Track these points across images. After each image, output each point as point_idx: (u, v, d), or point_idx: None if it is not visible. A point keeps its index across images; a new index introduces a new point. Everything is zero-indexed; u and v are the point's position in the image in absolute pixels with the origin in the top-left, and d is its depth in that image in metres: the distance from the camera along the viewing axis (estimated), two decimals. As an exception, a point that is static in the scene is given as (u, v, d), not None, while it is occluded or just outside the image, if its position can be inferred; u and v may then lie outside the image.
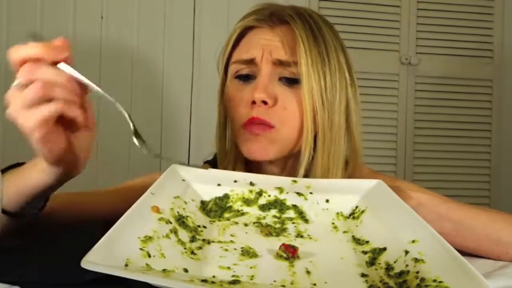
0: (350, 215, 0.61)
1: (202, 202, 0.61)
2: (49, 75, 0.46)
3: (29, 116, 0.45)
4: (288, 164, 0.78)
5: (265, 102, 0.70)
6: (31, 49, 0.46)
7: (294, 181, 0.66)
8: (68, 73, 0.47)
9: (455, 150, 1.88)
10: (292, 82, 0.72)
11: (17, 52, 0.45)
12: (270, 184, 0.65)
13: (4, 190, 0.53)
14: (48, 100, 0.46)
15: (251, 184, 0.64)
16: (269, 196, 0.64)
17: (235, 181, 0.65)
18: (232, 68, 0.76)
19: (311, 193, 0.64)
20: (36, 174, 0.53)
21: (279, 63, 0.72)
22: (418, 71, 1.85)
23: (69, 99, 0.47)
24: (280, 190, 0.64)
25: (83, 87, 0.49)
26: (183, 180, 0.62)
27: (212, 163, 0.87)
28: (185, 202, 0.57)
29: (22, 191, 0.54)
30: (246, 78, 0.74)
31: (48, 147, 0.48)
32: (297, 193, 0.64)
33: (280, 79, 0.73)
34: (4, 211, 0.54)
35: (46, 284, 0.46)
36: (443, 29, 1.86)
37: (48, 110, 0.46)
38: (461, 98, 1.88)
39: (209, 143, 1.83)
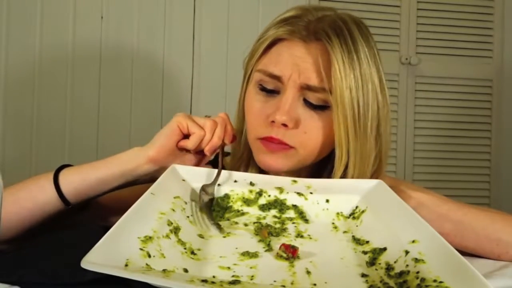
0: (350, 215, 0.61)
1: (202, 202, 0.61)
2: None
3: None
4: (302, 174, 0.75)
5: (285, 125, 0.67)
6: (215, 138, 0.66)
7: (294, 181, 0.65)
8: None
9: (455, 150, 1.88)
10: (318, 108, 0.69)
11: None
12: (270, 184, 0.65)
13: (74, 176, 0.64)
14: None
15: (251, 184, 0.64)
16: (269, 196, 0.64)
17: (235, 181, 0.65)
18: (256, 76, 0.72)
19: (311, 193, 0.64)
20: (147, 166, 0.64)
21: (307, 87, 0.68)
22: (418, 71, 1.85)
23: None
24: (280, 190, 0.64)
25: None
26: (183, 180, 0.62)
27: (213, 164, 0.86)
28: (185, 202, 0.57)
29: (115, 176, 0.64)
30: (270, 92, 0.71)
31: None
32: (297, 193, 0.64)
33: (305, 101, 0.69)
34: (65, 200, 0.64)
35: (46, 284, 0.46)
36: (443, 29, 1.86)
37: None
38: (461, 98, 1.88)
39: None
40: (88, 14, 1.62)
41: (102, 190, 0.65)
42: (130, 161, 0.64)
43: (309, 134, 0.69)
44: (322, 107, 0.69)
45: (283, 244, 0.50)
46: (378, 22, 1.81)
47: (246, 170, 0.76)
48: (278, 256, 0.49)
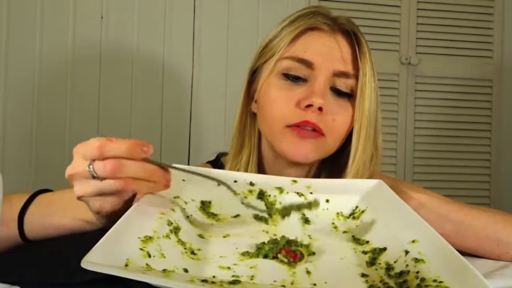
0: (350, 215, 0.61)
1: (202, 202, 0.61)
2: (135, 172, 0.45)
3: (99, 201, 0.47)
4: (308, 169, 0.77)
5: (320, 109, 0.69)
6: (119, 149, 0.45)
7: (294, 181, 0.65)
8: (153, 166, 0.47)
9: (455, 150, 1.87)
10: (344, 95, 0.72)
11: (107, 151, 0.44)
12: (270, 184, 0.65)
13: (33, 222, 0.59)
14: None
15: (251, 184, 0.64)
16: (269, 196, 0.63)
17: (235, 181, 0.64)
18: (282, 64, 0.72)
19: (311, 193, 0.64)
20: (79, 223, 0.57)
21: (340, 74, 0.71)
22: (418, 71, 1.85)
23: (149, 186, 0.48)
24: (280, 190, 0.64)
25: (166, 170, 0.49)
26: (183, 180, 0.62)
27: (214, 163, 0.86)
28: (185, 202, 0.57)
29: (56, 231, 0.59)
30: (295, 79, 0.72)
31: (110, 218, 0.49)
32: (297, 193, 0.64)
33: (332, 89, 0.72)
34: (24, 238, 0.61)
35: (46, 284, 0.46)
36: (443, 29, 1.85)
37: (119, 200, 0.47)
38: (461, 98, 1.88)
39: (209, 142, 1.83)
40: (88, 14, 1.62)
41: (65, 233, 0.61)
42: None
43: (337, 122, 0.71)
44: (347, 95, 0.72)
45: (284, 249, 0.50)
46: (378, 22, 1.81)
47: (246, 167, 0.76)
48: (279, 261, 0.49)
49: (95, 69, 1.63)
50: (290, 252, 0.49)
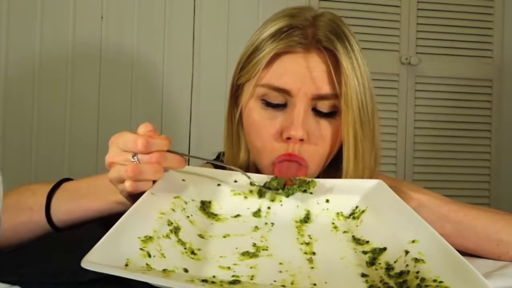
0: (350, 215, 0.61)
1: (202, 202, 0.61)
2: (173, 163, 0.56)
3: (138, 183, 0.53)
4: None
5: (301, 139, 0.67)
6: (161, 145, 0.54)
7: (294, 181, 0.66)
8: (182, 158, 0.58)
9: (455, 150, 1.88)
10: (328, 115, 0.69)
11: (151, 147, 0.54)
12: (270, 184, 0.65)
13: (60, 208, 0.63)
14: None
15: (251, 184, 0.64)
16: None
17: (235, 181, 0.65)
18: (259, 91, 0.70)
19: (311, 193, 0.64)
20: (110, 205, 0.62)
21: (318, 97, 0.68)
22: (418, 71, 1.85)
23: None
24: (280, 190, 0.64)
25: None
26: (183, 180, 0.62)
27: (213, 164, 0.86)
28: (185, 202, 0.57)
29: (83, 213, 0.63)
30: (275, 106, 0.69)
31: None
32: (297, 193, 0.64)
33: (314, 110, 0.69)
34: (53, 225, 0.64)
35: (46, 284, 0.46)
36: (443, 29, 1.86)
37: (150, 183, 0.54)
38: (461, 98, 1.88)
39: (209, 143, 1.83)
40: (88, 14, 1.62)
41: (93, 217, 0.65)
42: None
43: (319, 145, 0.69)
44: (331, 114, 0.69)
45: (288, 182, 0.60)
46: (378, 22, 1.81)
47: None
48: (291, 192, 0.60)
49: (95, 70, 1.63)
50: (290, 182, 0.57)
